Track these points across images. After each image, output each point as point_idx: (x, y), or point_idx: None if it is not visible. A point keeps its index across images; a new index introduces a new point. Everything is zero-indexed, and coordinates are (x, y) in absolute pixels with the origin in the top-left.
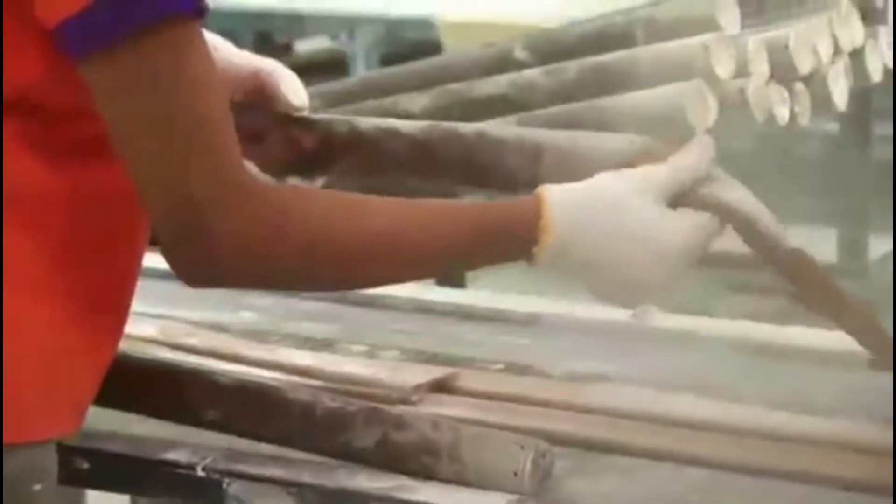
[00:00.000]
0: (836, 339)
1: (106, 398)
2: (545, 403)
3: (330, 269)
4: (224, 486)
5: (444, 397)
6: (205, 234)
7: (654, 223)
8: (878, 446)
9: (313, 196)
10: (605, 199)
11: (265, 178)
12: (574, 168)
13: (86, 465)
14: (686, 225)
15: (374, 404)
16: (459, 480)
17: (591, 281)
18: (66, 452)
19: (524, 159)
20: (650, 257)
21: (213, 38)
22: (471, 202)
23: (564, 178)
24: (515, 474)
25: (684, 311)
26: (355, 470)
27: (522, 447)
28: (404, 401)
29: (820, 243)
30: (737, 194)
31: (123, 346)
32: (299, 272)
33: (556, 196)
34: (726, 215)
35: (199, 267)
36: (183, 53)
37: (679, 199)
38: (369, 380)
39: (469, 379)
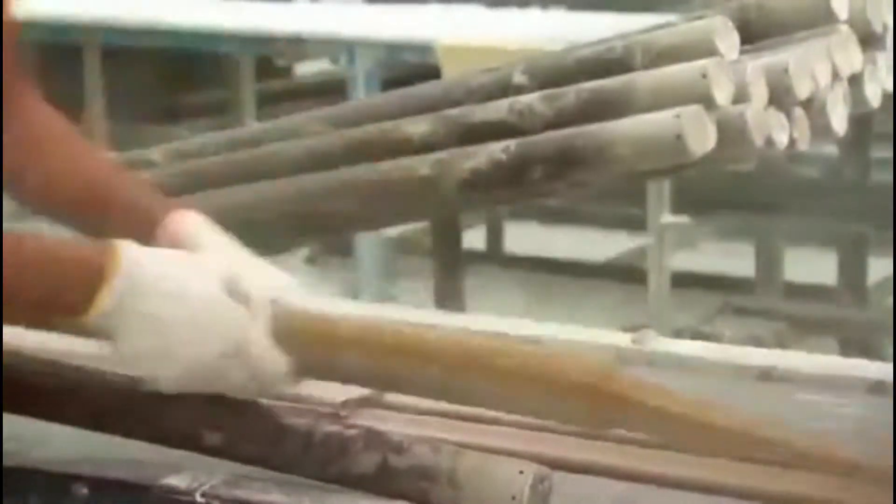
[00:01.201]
0: (833, 364)
1: (105, 424)
2: (474, 419)
3: None
4: None
5: (373, 412)
6: None
7: (216, 299)
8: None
9: None
10: (179, 262)
11: None
12: None
13: (84, 491)
14: (241, 314)
15: (373, 429)
16: None
17: (136, 339)
18: (66, 478)
19: None
20: (203, 329)
21: None
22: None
23: None
24: (514, 499)
25: (684, 335)
26: (355, 495)
27: (521, 472)
28: (334, 415)
29: (820, 266)
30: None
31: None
32: None
33: (130, 247)
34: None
35: None
36: None
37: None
38: (301, 395)
39: (398, 393)
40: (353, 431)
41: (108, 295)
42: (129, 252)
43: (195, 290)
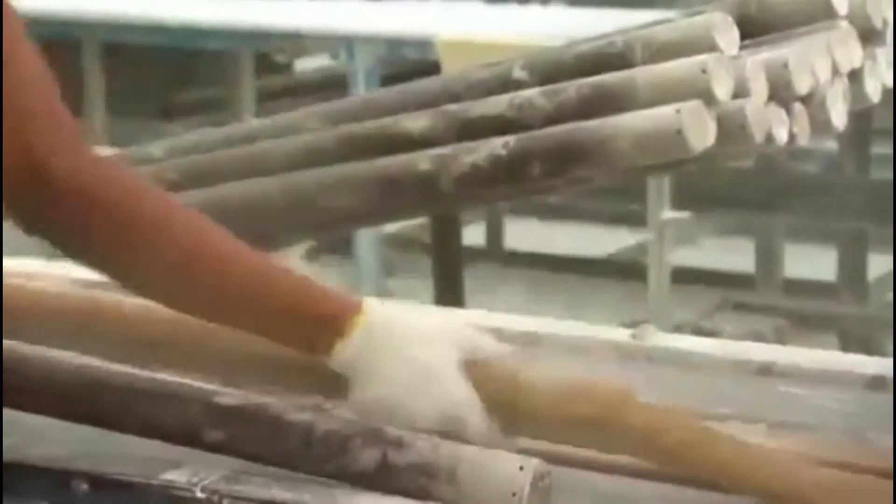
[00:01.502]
0: (833, 360)
1: (106, 420)
2: None
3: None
4: None
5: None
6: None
7: (446, 374)
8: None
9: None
10: (418, 326)
11: None
12: None
13: (84, 487)
14: (467, 395)
15: (373, 426)
16: (457, 502)
17: (364, 392)
18: (66, 474)
19: None
20: (425, 400)
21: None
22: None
23: None
24: (514, 495)
25: (684, 330)
26: (356, 491)
27: (522, 468)
28: (318, 407)
29: (820, 263)
30: None
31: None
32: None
33: (374, 304)
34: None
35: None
36: None
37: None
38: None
39: None
40: (353, 428)
41: (345, 348)
42: (373, 309)
43: (426, 359)
